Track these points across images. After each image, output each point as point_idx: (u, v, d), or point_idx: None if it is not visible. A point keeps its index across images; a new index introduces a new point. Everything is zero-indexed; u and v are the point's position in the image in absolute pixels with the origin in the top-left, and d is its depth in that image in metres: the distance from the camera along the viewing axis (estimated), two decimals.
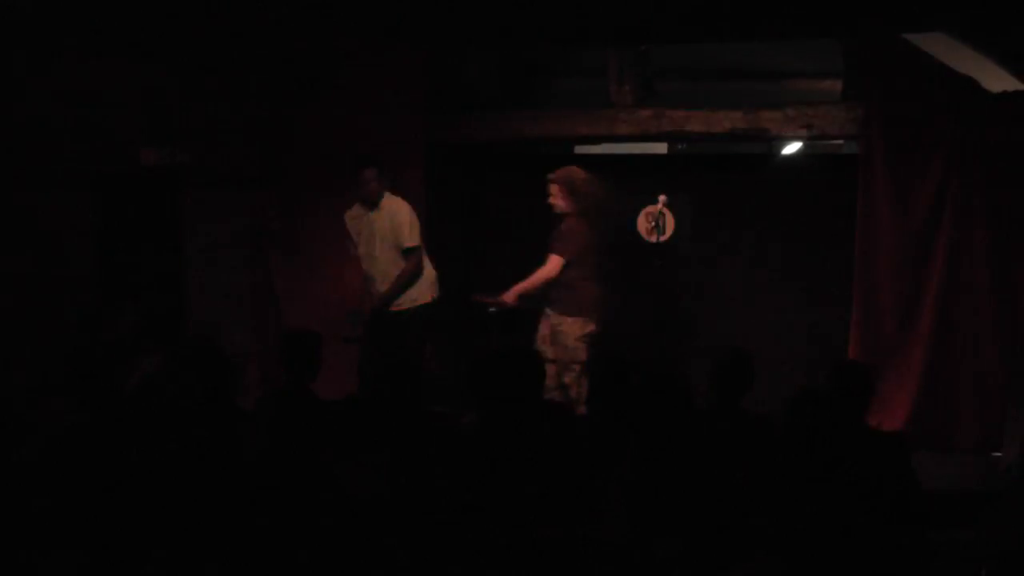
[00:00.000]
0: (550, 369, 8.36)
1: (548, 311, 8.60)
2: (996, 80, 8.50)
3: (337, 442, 4.54)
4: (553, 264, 8.53)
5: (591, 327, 8.48)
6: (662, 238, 9.37)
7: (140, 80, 7.75)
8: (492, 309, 9.76)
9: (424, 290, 8.95)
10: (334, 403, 4.80)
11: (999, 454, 8.09)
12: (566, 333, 8.46)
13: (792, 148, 11.14)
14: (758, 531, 3.93)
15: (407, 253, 8.79)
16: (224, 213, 9.36)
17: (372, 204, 8.79)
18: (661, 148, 11.22)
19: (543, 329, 8.63)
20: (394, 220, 8.75)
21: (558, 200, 8.53)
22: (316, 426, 4.90)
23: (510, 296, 8.58)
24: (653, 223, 9.52)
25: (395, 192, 9.41)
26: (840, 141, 9.59)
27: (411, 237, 8.76)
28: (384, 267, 8.78)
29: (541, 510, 3.95)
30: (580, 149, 10.31)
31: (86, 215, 7.79)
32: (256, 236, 9.49)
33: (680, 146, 11.00)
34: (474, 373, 5.60)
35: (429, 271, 8.96)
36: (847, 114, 8.92)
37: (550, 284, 8.53)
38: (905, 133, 8.59)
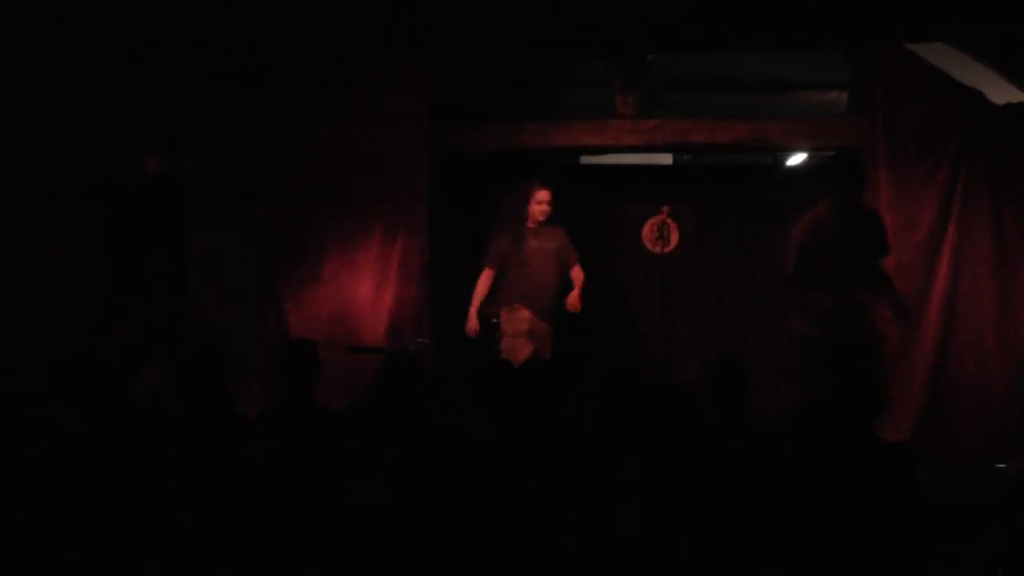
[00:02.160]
0: None
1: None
2: (1001, 92, 8.50)
3: (342, 451, 4.52)
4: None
5: None
6: (666, 249, 9.38)
7: (145, 88, 7.73)
8: (494, 320, 9.79)
9: None
10: (338, 412, 4.78)
11: (1003, 465, 8.08)
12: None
13: (797, 159, 11.13)
14: (763, 541, 3.92)
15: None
16: (228, 222, 9.36)
17: (541, 224, 9.08)
18: (666, 159, 11.23)
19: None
20: (560, 238, 9.11)
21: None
22: (319, 435, 4.89)
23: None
24: (657, 234, 9.54)
25: (401, 201, 9.46)
26: (846, 153, 9.54)
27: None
28: (551, 283, 9.09)
29: (550, 517, 3.94)
30: (586, 159, 10.31)
31: (90, 223, 7.77)
32: (260, 245, 9.47)
33: (685, 157, 10.99)
34: (480, 384, 5.61)
35: None
36: (852, 125, 8.92)
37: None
38: (910, 144, 8.60)
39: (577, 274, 9.18)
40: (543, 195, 9.04)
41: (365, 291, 9.56)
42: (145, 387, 7.13)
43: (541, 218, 9.05)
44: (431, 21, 5.44)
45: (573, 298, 9.04)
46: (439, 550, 4.19)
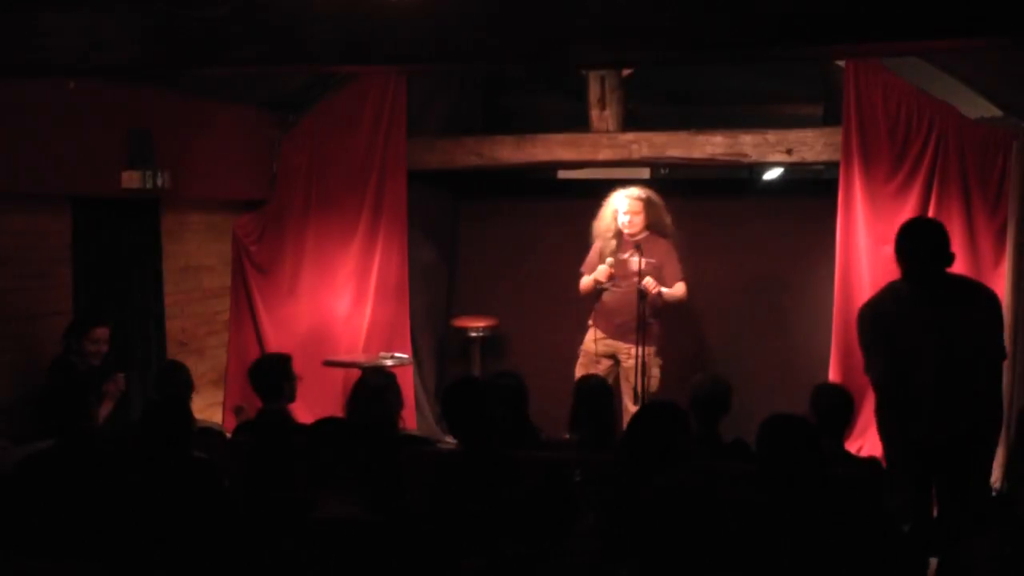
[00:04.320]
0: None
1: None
2: (973, 106, 8.51)
3: (313, 466, 4.50)
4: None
5: None
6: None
7: (121, 103, 7.71)
8: (474, 333, 9.78)
9: None
10: (311, 426, 4.76)
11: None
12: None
13: (773, 173, 11.15)
14: (729, 556, 3.90)
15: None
16: (204, 236, 9.35)
17: (635, 237, 8.51)
18: (643, 172, 11.23)
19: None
20: (657, 253, 8.52)
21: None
22: (292, 451, 4.86)
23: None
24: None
25: (379, 215, 9.44)
26: (821, 167, 9.57)
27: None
28: (631, 300, 8.41)
29: (515, 532, 3.92)
30: (563, 174, 10.31)
31: (66, 239, 7.74)
32: (236, 259, 9.46)
33: (662, 171, 11.00)
34: (449, 399, 5.59)
35: None
36: (827, 139, 8.90)
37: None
38: (884, 158, 8.58)
39: (679, 287, 8.58)
40: (629, 205, 8.52)
41: (342, 306, 9.55)
42: (109, 406, 7.11)
43: (629, 230, 8.48)
44: (405, 36, 5.40)
45: (651, 284, 8.31)
46: (409, 565, 4.17)
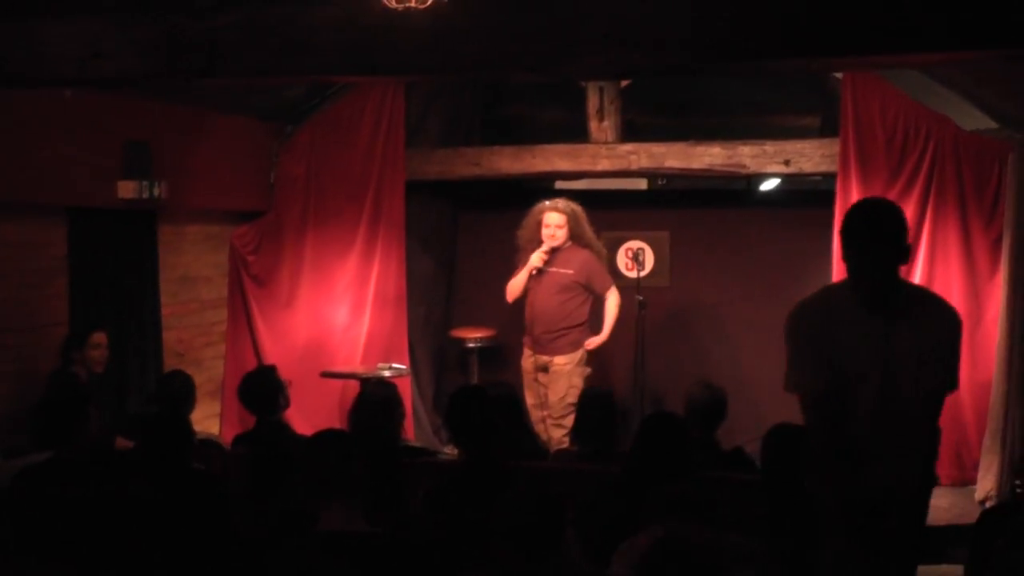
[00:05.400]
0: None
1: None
2: (970, 118, 8.51)
3: (312, 478, 4.48)
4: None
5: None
6: (642, 273, 9.37)
7: (118, 113, 7.69)
8: (472, 344, 9.77)
9: None
10: (311, 438, 4.74)
11: (975, 487, 8.09)
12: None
13: (771, 184, 11.15)
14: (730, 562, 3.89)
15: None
16: (202, 246, 9.31)
17: (558, 250, 8.57)
18: (640, 183, 11.24)
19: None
20: (577, 264, 8.55)
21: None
22: (293, 462, 4.84)
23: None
24: (633, 258, 9.53)
25: (377, 226, 9.42)
26: (819, 178, 9.56)
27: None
28: (554, 314, 8.54)
29: (511, 543, 3.90)
30: (561, 184, 10.31)
31: (62, 250, 7.72)
32: (233, 269, 9.44)
33: (660, 181, 10.99)
34: (454, 409, 5.57)
35: None
36: (824, 150, 8.90)
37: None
38: (881, 169, 8.58)
39: (610, 305, 8.62)
40: (552, 218, 8.52)
41: (340, 317, 9.53)
42: (104, 419, 7.08)
43: (552, 243, 8.49)
44: (409, 47, 5.39)
45: (594, 342, 8.54)
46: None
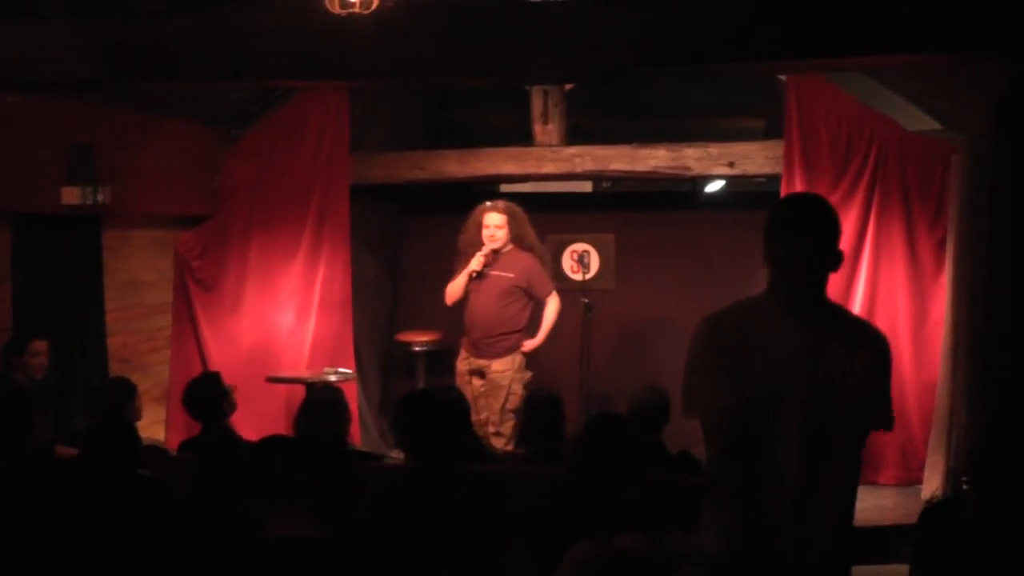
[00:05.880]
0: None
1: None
2: (914, 120, 8.57)
3: (258, 484, 4.45)
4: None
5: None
6: (587, 276, 9.40)
7: (62, 117, 7.63)
8: (418, 348, 9.76)
9: None
10: (258, 443, 4.71)
11: (921, 486, 8.15)
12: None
13: (716, 186, 11.21)
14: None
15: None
16: (147, 251, 9.25)
17: (499, 252, 8.52)
18: (585, 186, 11.27)
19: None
20: (518, 267, 8.51)
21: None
22: (236, 468, 4.82)
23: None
24: (578, 261, 9.56)
25: (322, 230, 9.39)
26: (763, 180, 9.62)
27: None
28: (493, 317, 8.51)
29: (456, 549, 3.90)
30: (506, 187, 10.32)
31: (5, 255, 7.64)
32: (178, 274, 9.39)
33: (604, 184, 11.04)
34: (402, 413, 5.56)
35: None
36: (769, 152, 8.97)
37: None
38: (825, 170, 8.61)
39: (549, 310, 8.62)
40: (492, 219, 8.49)
41: (286, 321, 9.49)
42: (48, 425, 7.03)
43: (492, 245, 8.44)
44: (348, 51, 5.39)
45: (529, 344, 8.56)
46: None
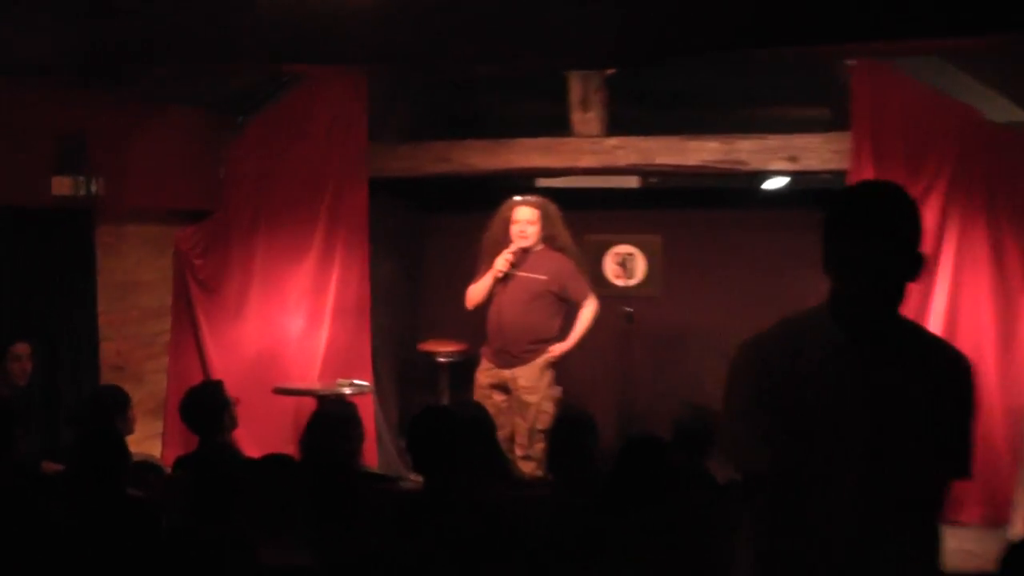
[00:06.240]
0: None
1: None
2: (1001, 110, 8.48)
3: (256, 506, 4.51)
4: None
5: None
6: (631, 282, 9.41)
7: (52, 104, 7.71)
8: (441, 359, 9.79)
9: None
10: (256, 463, 4.77)
11: (1008, 527, 8.01)
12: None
13: (775, 183, 11.19)
14: None
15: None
16: (143, 249, 9.32)
17: (528, 251, 8.60)
18: (632, 182, 11.25)
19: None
20: (550, 269, 8.57)
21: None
22: (233, 489, 4.88)
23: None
24: (621, 265, 9.56)
25: (337, 227, 9.43)
26: (828, 175, 9.58)
27: None
28: (521, 324, 8.58)
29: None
30: (543, 182, 10.33)
31: None
32: (179, 275, 9.46)
33: (652, 179, 11.04)
34: (415, 431, 5.59)
35: None
36: (834, 145, 8.93)
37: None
38: (898, 167, 8.50)
39: (585, 313, 8.62)
40: (522, 213, 8.56)
41: (295, 328, 9.53)
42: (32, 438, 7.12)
43: (522, 242, 8.52)
44: (350, 34, 5.43)
45: (558, 348, 8.53)
46: None
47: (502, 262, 8.44)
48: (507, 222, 8.55)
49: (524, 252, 8.49)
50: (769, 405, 3.26)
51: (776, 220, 10.12)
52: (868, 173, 8.54)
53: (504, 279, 8.49)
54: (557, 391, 8.53)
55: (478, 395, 8.54)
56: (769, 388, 3.28)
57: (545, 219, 8.52)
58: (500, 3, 5.37)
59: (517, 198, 8.63)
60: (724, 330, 9.84)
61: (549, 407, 8.36)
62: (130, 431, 6.93)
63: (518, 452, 8.32)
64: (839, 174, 8.92)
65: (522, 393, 8.41)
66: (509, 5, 5.40)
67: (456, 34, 5.46)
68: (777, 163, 9.11)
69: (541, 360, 8.47)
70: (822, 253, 3.25)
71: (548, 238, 8.55)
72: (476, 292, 8.60)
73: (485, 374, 8.61)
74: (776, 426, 3.25)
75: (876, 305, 3.24)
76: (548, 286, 8.45)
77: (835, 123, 9.47)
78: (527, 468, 8.17)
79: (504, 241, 8.54)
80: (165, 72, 7.22)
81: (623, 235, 10.14)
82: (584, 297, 8.57)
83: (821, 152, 8.99)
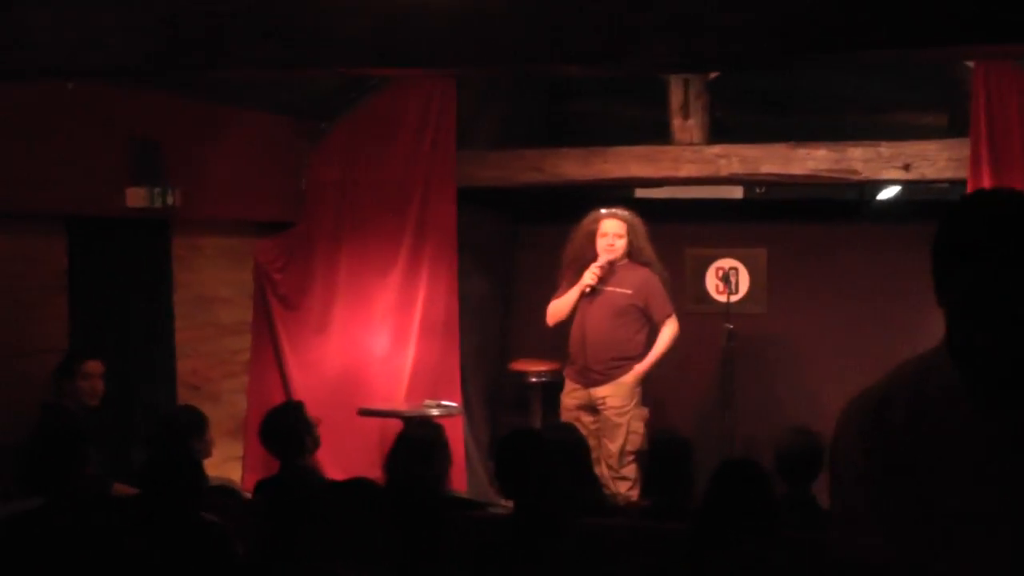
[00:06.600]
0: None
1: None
2: None
3: (338, 532, 4.52)
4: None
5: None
6: (734, 297, 9.35)
7: (126, 110, 7.79)
8: (533, 379, 9.77)
9: None
10: (336, 487, 4.79)
11: None
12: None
13: (888, 193, 11.09)
14: None
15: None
16: (220, 263, 9.39)
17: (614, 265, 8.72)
18: (736, 192, 11.20)
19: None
20: (636, 284, 8.68)
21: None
22: (313, 514, 4.89)
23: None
24: (723, 280, 9.51)
25: (424, 240, 9.44)
26: (945, 185, 9.48)
27: None
28: (605, 341, 8.70)
29: None
30: (642, 192, 10.30)
31: (60, 265, 7.80)
32: (258, 290, 9.51)
33: (758, 190, 10.97)
34: (502, 455, 5.59)
35: None
36: (952, 152, 8.80)
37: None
38: (1019, 178, 8.34)
39: (665, 334, 8.70)
40: (610, 226, 8.66)
41: (380, 346, 9.55)
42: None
43: (610, 256, 8.59)
44: (430, 34, 5.43)
45: (638, 368, 8.60)
46: None
47: (590, 276, 8.47)
48: (592, 235, 8.62)
49: (610, 265, 8.51)
50: (882, 483, 2.52)
51: (889, 234, 10.00)
52: (987, 182, 8.43)
53: (590, 294, 8.53)
54: (645, 412, 8.57)
55: (566, 418, 8.55)
56: (879, 463, 2.53)
57: (632, 232, 8.60)
58: None
59: (603, 210, 8.69)
60: (833, 349, 9.86)
61: (639, 427, 8.45)
62: (207, 454, 6.96)
63: (608, 473, 8.33)
64: (958, 183, 8.80)
65: (612, 414, 8.47)
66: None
67: (549, 32, 5.43)
68: (890, 172, 9.00)
69: (630, 379, 8.52)
70: (934, 281, 2.58)
71: (633, 252, 8.62)
72: (559, 308, 8.66)
73: (571, 396, 8.66)
74: (892, 511, 2.50)
75: (1006, 349, 2.44)
76: (633, 300, 8.55)
77: (953, 129, 9.36)
78: (622, 488, 8.20)
79: (588, 255, 8.61)
80: (243, 74, 7.24)
81: (726, 249, 10.09)
82: (666, 316, 8.66)
83: (938, 160, 8.87)
